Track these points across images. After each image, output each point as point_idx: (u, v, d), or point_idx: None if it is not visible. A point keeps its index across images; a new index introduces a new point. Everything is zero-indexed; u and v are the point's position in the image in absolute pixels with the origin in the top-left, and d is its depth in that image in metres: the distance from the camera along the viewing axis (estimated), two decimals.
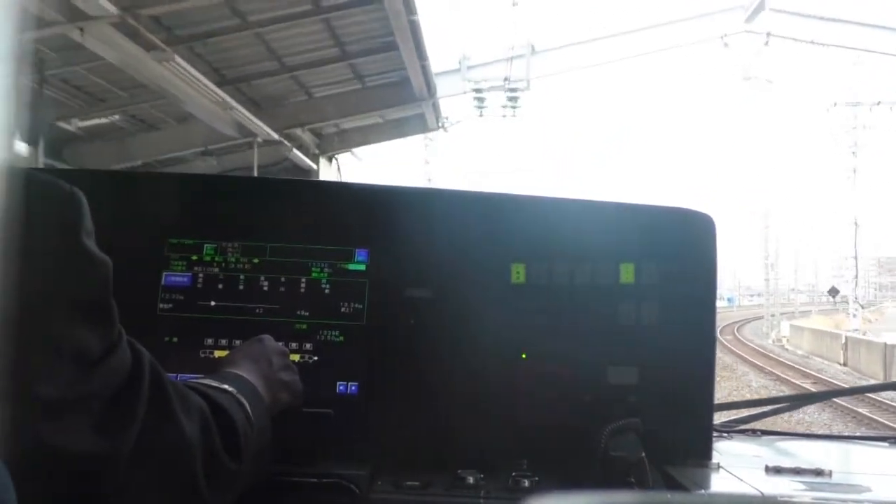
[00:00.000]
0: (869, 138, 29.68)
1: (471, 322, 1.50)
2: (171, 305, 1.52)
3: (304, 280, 1.53)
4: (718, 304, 1.69)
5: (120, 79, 9.00)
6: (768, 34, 14.77)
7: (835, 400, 12.81)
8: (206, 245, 1.55)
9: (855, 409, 12.48)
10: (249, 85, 10.78)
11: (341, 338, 1.51)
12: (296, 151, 12.29)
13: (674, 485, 1.30)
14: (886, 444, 1.78)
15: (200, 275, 1.54)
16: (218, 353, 1.48)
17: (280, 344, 1.38)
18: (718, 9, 15.00)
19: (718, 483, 1.34)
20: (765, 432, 1.79)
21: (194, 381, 1.13)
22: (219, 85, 9.41)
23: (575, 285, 1.52)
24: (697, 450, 1.44)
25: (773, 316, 36.77)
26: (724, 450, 1.55)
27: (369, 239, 1.55)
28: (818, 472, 1.30)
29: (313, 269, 1.54)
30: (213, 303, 1.52)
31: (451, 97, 14.22)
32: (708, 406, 1.49)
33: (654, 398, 1.46)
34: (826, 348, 23.91)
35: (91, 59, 8.01)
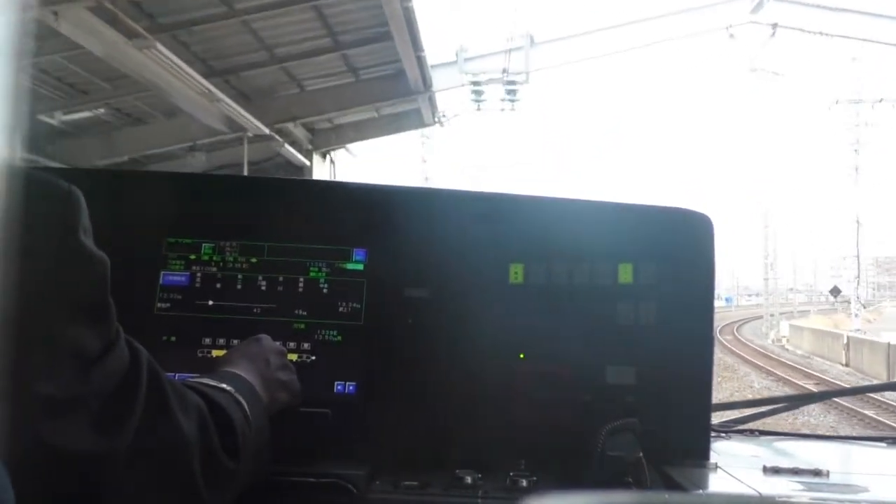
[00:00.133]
0: (870, 136, 29.60)
1: (469, 322, 1.50)
2: (168, 305, 1.52)
3: (302, 280, 1.53)
4: (716, 303, 1.69)
5: (102, 69, 8.55)
6: (775, 25, 14.44)
7: (840, 402, 12.75)
8: (204, 244, 1.55)
9: (861, 411, 12.40)
10: (238, 77, 10.35)
11: (339, 337, 1.51)
12: (287, 147, 11.93)
13: (672, 485, 1.30)
14: (884, 445, 1.78)
15: (198, 274, 1.53)
16: (216, 353, 1.48)
17: (278, 343, 1.38)
18: None
19: (716, 483, 1.34)
20: (763, 432, 1.79)
21: (192, 380, 1.13)
22: (206, 77, 8.93)
23: (573, 285, 1.52)
24: (695, 450, 1.44)
25: (772, 316, 36.78)
26: (722, 450, 1.55)
27: (367, 239, 1.55)
28: (816, 473, 1.30)
29: (311, 268, 1.54)
30: (210, 302, 1.52)
31: (447, 91, 13.76)
32: (706, 406, 1.49)
33: (652, 398, 1.46)
34: (827, 348, 23.69)
35: (70, 47, 7.57)
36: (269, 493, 1.28)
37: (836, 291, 41.57)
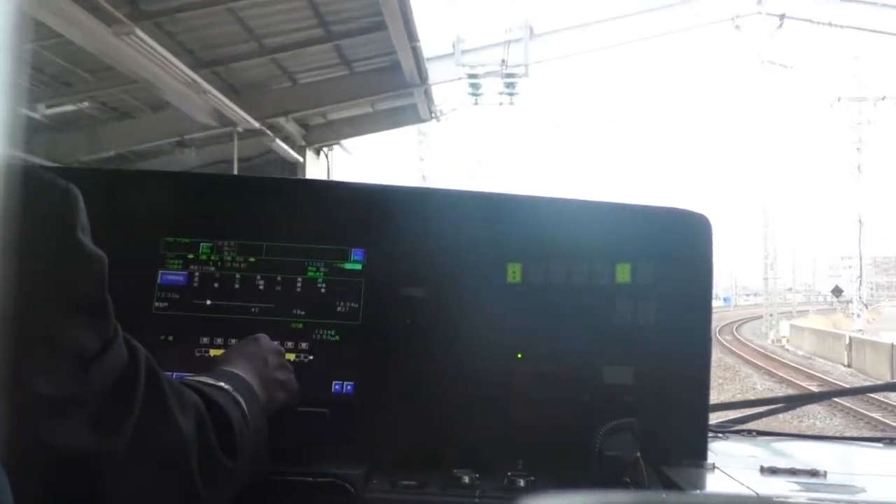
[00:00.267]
0: (872, 134, 29.41)
1: (467, 322, 1.50)
2: (166, 304, 1.52)
3: (300, 279, 1.53)
4: (715, 303, 1.69)
5: (84, 59, 8.10)
6: (782, 16, 14.17)
7: (845, 404, 12.69)
8: (202, 244, 1.55)
9: (867, 413, 12.32)
10: (227, 69, 9.90)
11: (337, 337, 1.51)
12: (279, 142, 11.48)
13: (669, 485, 1.31)
14: (881, 445, 1.79)
15: (196, 273, 1.53)
16: (214, 352, 1.48)
17: (276, 343, 1.38)
18: None
19: (714, 483, 1.34)
20: (760, 433, 1.80)
21: (190, 378, 1.13)
22: (193, 69, 8.52)
23: (571, 285, 1.52)
24: (693, 450, 1.44)
25: (771, 315, 36.78)
26: (720, 450, 1.56)
27: (365, 238, 1.55)
28: (813, 473, 1.30)
29: (309, 268, 1.54)
30: (208, 301, 1.52)
31: (444, 84, 13.30)
32: (703, 406, 1.49)
33: (649, 398, 1.46)
34: (828, 349, 23.40)
35: (47, 35, 7.06)
36: (267, 493, 1.28)
37: (837, 291, 41.47)
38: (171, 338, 1.50)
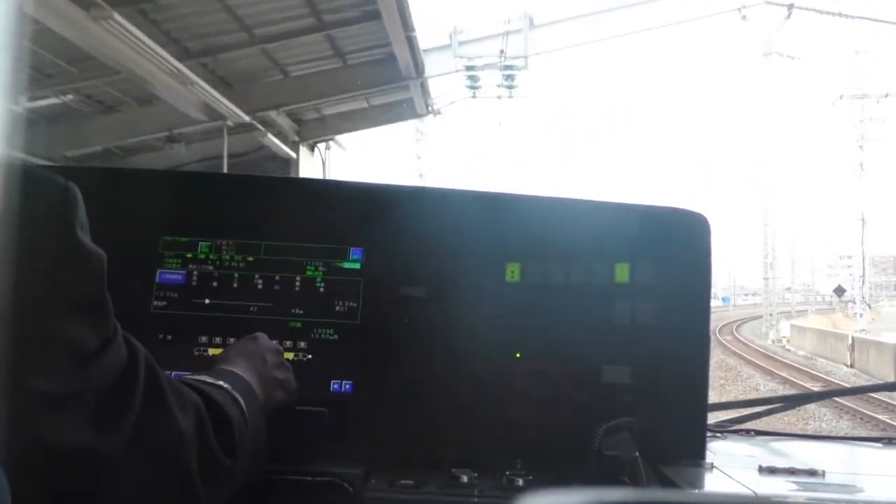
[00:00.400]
0: (874, 132, 29.22)
1: (466, 321, 1.50)
2: (165, 303, 1.52)
3: (298, 278, 1.53)
4: (714, 303, 1.69)
5: (64, 48, 7.58)
6: (791, 6, 13.81)
7: (852, 406, 12.65)
8: (200, 243, 1.55)
9: (874, 416, 12.23)
10: (215, 60, 9.40)
11: (336, 336, 1.51)
12: (272, 137, 11.03)
13: (668, 484, 1.31)
14: (880, 445, 1.79)
15: (195, 273, 1.53)
16: (212, 351, 1.48)
17: (274, 342, 1.38)
18: None
19: (712, 483, 1.34)
20: (759, 432, 1.80)
21: (189, 377, 1.13)
22: (180, 59, 8.10)
23: (570, 284, 1.52)
24: (691, 449, 1.44)
25: (771, 315, 36.75)
26: (718, 450, 1.56)
27: (364, 237, 1.55)
28: (812, 473, 1.30)
29: (308, 267, 1.54)
30: (207, 301, 1.52)
31: (441, 77, 12.66)
32: (702, 406, 1.50)
33: (648, 397, 1.46)
34: (830, 349, 23.03)
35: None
36: (266, 492, 1.28)
37: (840, 291, 41.31)
38: (169, 337, 1.50)
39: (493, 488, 1.31)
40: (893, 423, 11.80)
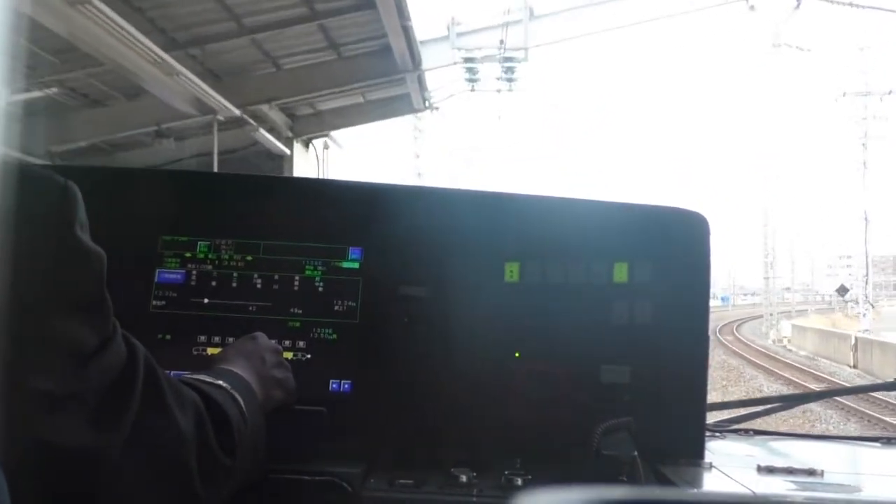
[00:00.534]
0: (877, 130, 29.02)
1: (465, 320, 1.50)
2: (164, 302, 1.52)
3: (297, 278, 1.53)
4: (713, 303, 1.69)
5: (44, 38, 7.02)
6: None
7: (860, 409, 12.61)
8: (199, 242, 1.55)
9: (883, 418, 12.19)
10: (204, 51, 8.92)
11: (334, 336, 1.51)
12: (264, 133, 10.51)
13: (666, 483, 1.31)
14: (878, 445, 1.79)
15: (194, 272, 1.53)
16: (211, 351, 1.48)
17: (273, 341, 1.38)
18: None
19: (711, 482, 1.34)
20: (757, 432, 1.80)
21: (188, 376, 1.13)
22: (167, 50, 7.62)
23: (569, 284, 1.52)
24: (690, 449, 1.44)
25: (771, 315, 36.72)
26: (717, 449, 1.56)
27: (363, 237, 1.55)
28: (810, 472, 1.30)
29: (307, 266, 1.54)
30: (206, 300, 1.52)
31: (439, 69, 12.15)
32: (701, 405, 1.50)
33: (647, 397, 1.46)
34: (833, 349, 22.86)
35: None
36: (265, 491, 1.28)
37: (843, 290, 41.19)
38: (168, 336, 1.50)
39: (492, 488, 1.31)
40: None
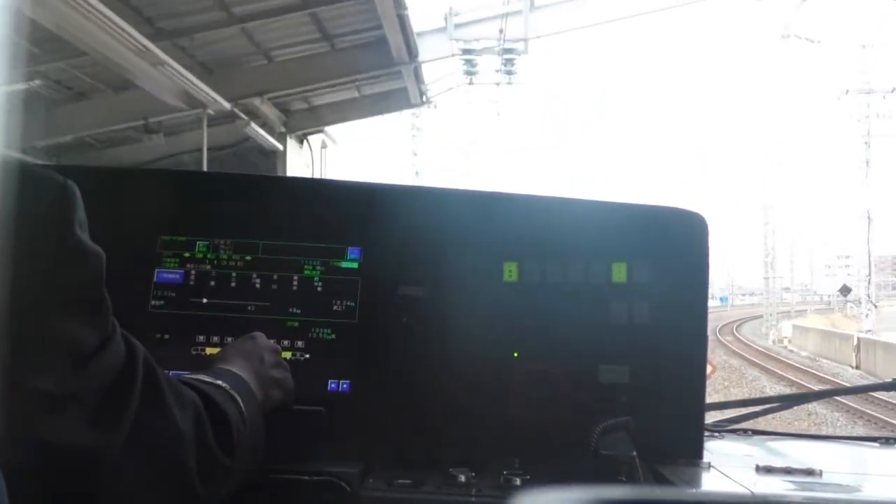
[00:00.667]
0: (880, 128, 28.85)
1: (463, 320, 1.50)
2: (162, 302, 1.52)
3: (296, 278, 1.53)
4: (711, 303, 1.70)
5: (23, 26, 6.90)
6: None
7: (866, 411, 12.58)
8: (198, 242, 1.55)
9: (890, 420, 12.13)
10: (191, 40, 8.56)
11: (333, 336, 1.51)
12: (256, 127, 10.16)
13: (665, 483, 1.31)
14: (877, 445, 1.79)
15: (193, 272, 1.54)
16: (210, 351, 1.48)
17: (272, 341, 1.38)
18: None
19: (709, 482, 1.34)
20: (756, 432, 1.80)
21: (187, 376, 1.13)
22: (153, 40, 7.22)
23: (567, 284, 1.53)
24: (689, 449, 1.45)
25: (771, 315, 36.70)
26: (716, 449, 1.56)
27: (362, 237, 1.55)
28: (809, 472, 1.30)
29: (306, 266, 1.54)
30: (205, 300, 1.52)
31: (436, 62, 11.79)
32: (699, 405, 1.50)
33: (646, 397, 1.46)
34: (835, 350, 22.78)
35: None
36: (263, 491, 1.28)
37: (846, 290, 41.05)
38: (167, 336, 1.50)
39: (491, 487, 1.31)
40: None
